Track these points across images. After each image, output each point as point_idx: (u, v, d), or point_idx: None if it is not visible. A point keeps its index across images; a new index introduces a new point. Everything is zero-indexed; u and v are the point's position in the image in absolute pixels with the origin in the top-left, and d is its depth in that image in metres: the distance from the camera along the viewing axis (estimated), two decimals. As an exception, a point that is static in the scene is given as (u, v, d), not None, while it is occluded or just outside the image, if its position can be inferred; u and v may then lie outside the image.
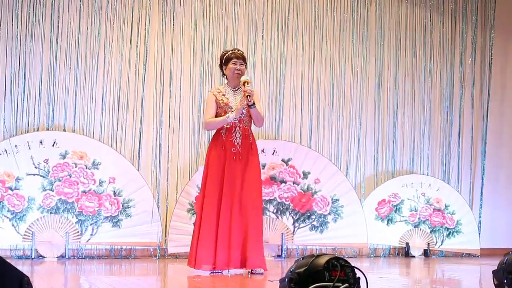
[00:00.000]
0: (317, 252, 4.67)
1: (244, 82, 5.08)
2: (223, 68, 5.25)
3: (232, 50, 5.26)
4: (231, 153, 5.08)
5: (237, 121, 5.11)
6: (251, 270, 5.00)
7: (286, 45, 7.30)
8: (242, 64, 5.18)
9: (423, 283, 4.90)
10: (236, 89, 5.21)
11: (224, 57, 5.23)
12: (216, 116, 5.15)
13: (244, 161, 5.10)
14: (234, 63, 5.16)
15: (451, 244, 7.51)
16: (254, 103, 5.05)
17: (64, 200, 6.37)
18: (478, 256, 7.46)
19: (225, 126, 5.11)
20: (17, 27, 6.50)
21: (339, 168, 7.25)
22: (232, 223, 5.00)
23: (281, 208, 6.96)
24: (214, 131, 5.27)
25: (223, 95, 5.19)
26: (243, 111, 5.11)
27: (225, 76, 5.30)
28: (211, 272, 4.99)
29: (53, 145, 6.42)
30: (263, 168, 6.89)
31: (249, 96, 5.01)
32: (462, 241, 7.52)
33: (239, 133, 5.12)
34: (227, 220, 5.01)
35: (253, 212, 5.07)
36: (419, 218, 7.46)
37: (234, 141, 5.10)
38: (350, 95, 7.51)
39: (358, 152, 7.49)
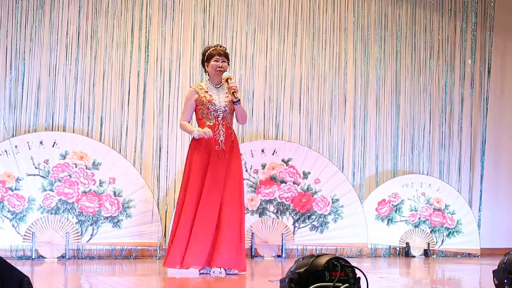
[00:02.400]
0: (317, 252, 4.66)
1: (227, 79, 5.06)
2: (205, 65, 5.19)
3: (214, 47, 5.20)
4: (216, 151, 5.02)
5: (220, 118, 5.06)
6: (225, 270, 4.93)
7: (286, 45, 7.30)
8: (224, 61, 5.12)
9: (423, 283, 4.89)
10: (219, 86, 5.15)
11: (206, 53, 5.17)
12: (199, 112, 5.10)
13: (227, 159, 5.04)
14: (216, 60, 5.10)
15: (451, 244, 7.51)
16: (239, 100, 5.03)
17: (64, 200, 6.37)
18: (478, 256, 7.46)
19: (208, 123, 5.06)
20: (17, 27, 6.50)
21: (339, 168, 7.25)
22: (216, 221, 4.95)
23: (281, 208, 6.96)
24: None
25: (206, 91, 5.13)
26: (226, 108, 5.07)
27: (207, 73, 5.23)
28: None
29: (53, 146, 6.42)
30: (263, 168, 6.90)
31: (235, 92, 4.99)
32: (462, 241, 7.52)
33: (223, 130, 5.07)
34: (209, 218, 4.93)
35: (233, 212, 4.99)
36: (419, 218, 7.46)
37: (218, 139, 5.05)
38: (350, 95, 7.50)
39: (358, 152, 7.49)
